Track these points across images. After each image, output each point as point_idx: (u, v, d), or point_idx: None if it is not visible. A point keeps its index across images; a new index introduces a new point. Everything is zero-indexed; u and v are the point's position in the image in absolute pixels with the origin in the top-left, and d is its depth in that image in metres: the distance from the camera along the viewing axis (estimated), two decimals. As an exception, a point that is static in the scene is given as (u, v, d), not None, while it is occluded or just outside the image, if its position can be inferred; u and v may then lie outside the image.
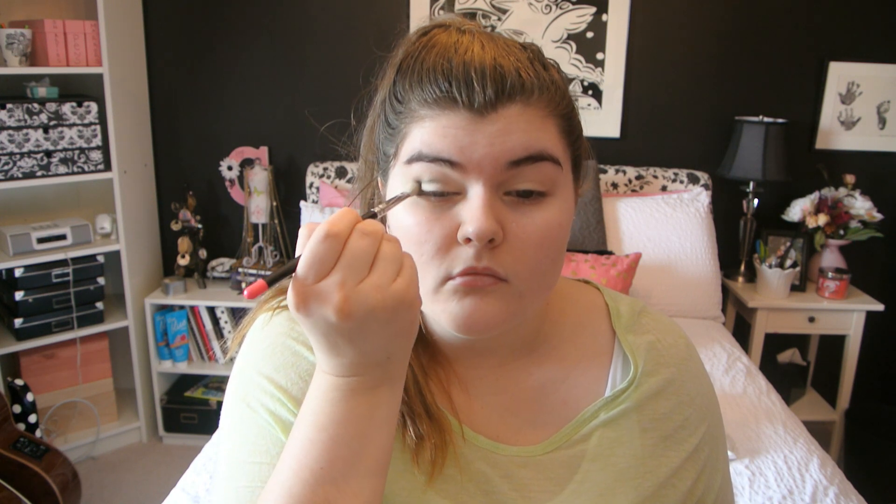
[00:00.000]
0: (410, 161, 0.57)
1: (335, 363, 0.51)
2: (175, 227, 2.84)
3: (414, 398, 0.62)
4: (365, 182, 0.69)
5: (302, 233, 0.49)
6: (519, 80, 0.56)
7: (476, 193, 0.56)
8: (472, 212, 0.55)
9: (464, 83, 0.55)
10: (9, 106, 2.36)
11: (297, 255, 0.49)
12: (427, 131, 0.56)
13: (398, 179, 0.60)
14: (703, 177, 2.82)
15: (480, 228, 0.54)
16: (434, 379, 0.66)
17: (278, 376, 0.63)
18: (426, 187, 0.57)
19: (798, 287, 2.74)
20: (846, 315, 2.68)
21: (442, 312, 0.59)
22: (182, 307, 2.80)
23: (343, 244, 0.48)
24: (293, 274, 0.48)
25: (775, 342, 2.89)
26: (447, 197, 0.57)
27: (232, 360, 0.70)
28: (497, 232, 0.55)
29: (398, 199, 0.57)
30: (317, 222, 0.49)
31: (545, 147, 0.57)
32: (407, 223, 0.58)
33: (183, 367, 2.83)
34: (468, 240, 0.56)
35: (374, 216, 0.53)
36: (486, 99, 0.55)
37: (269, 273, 2.85)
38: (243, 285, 2.79)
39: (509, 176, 0.56)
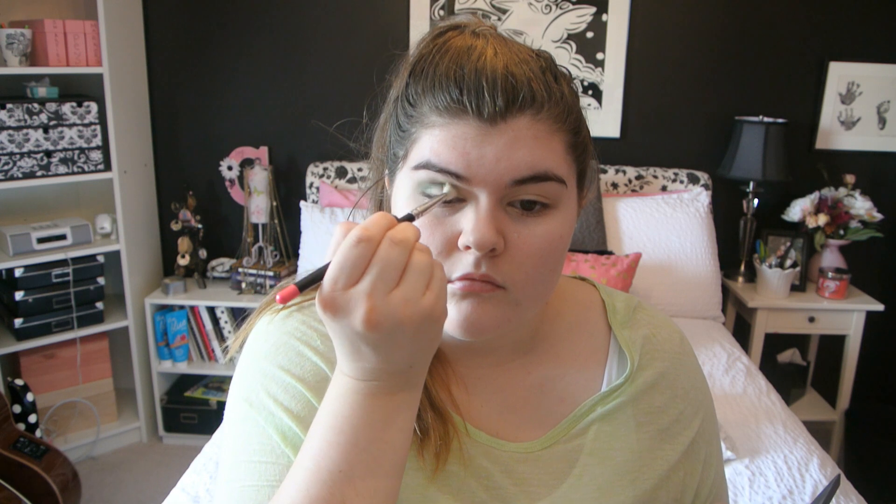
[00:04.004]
0: (418, 168, 0.58)
1: (357, 367, 0.51)
2: (175, 227, 2.84)
3: (425, 406, 0.63)
4: (373, 180, 0.70)
5: (337, 231, 0.49)
6: (530, 92, 0.56)
7: (479, 204, 0.56)
8: (474, 222, 0.56)
9: (474, 92, 0.55)
10: (9, 106, 2.36)
11: (330, 254, 0.49)
12: (436, 140, 0.57)
13: (404, 182, 0.60)
14: (703, 177, 2.82)
15: (481, 239, 0.55)
16: (435, 377, 0.66)
17: (282, 373, 0.63)
18: (431, 192, 0.58)
19: (798, 287, 2.74)
20: (846, 315, 2.68)
21: None
22: (182, 307, 2.80)
23: (374, 250, 0.47)
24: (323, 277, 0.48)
25: (775, 342, 2.89)
26: (451, 203, 0.58)
27: (233, 360, 0.70)
28: (497, 243, 0.56)
29: (438, 200, 0.57)
30: (353, 222, 0.49)
31: (550, 167, 0.57)
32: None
33: (183, 367, 2.83)
34: (468, 247, 0.56)
35: (411, 218, 0.53)
36: (496, 109, 0.55)
37: (271, 277, 2.79)
38: (243, 285, 2.79)
39: (513, 190, 0.57)
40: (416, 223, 0.58)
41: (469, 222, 0.56)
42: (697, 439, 0.71)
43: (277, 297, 0.46)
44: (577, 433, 0.67)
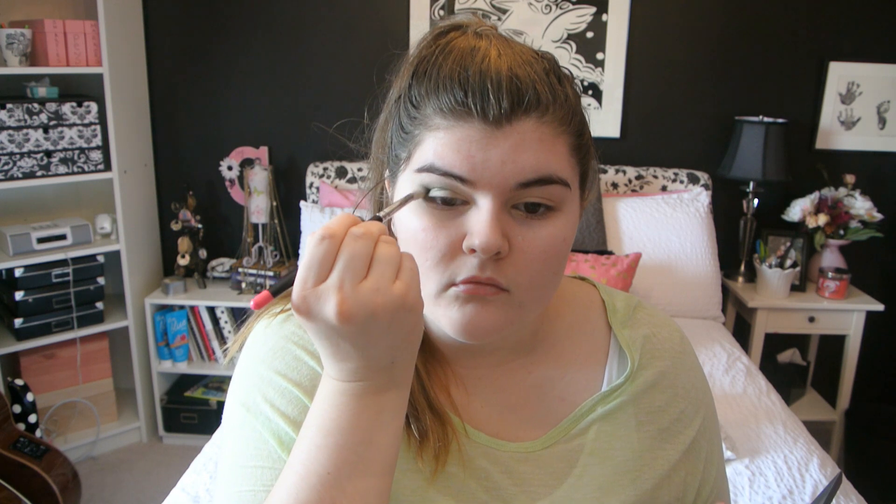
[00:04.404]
0: (421, 170, 0.57)
1: (340, 368, 0.52)
2: (175, 227, 2.84)
3: (418, 395, 0.63)
4: (374, 181, 0.69)
5: (308, 240, 0.49)
6: (535, 94, 0.55)
7: (484, 207, 0.56)
8: (480, 225, 0.55)
9: (479, 94, 0.55)
10: (9, 106, 2.36)
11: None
12: (441, 143, 0.56)
13: (407, 185, 0.60)
14: (703, 177, 2.82)
15: (487, 243, 0.55)
16: (434, 378, 0.66)
17: (278, 377, 0.63)
18: (436, 193, 0.57)
19: (798, 287, 2.74)
20: (846, 315, 2.68)
21: (443, 317, 0.60)
22: (182, 307, 2.80)
23: (339, 246, 0.48)
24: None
25: (775, 342, 2.89)
26: (455, 206, 0.57)
27: (233, 361, 0.70)
28: (503, 246, 0.56)
29: (404, 202, 0.57)
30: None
31: (554, 170, 0.57)
32: (414, 227, 0.59)
33: (183, 367, 2.83)
34: (473, 250, 0.56)
35: (379, 220, 0.53)
36: (502, 111, 0.55)
37: (273, 282, 2.86)
38: (243, 285, 2.79)
39: (517, 193, 0.56)
40: (419, 227, 0.58)
41: (474, 225, 0.56)
42: (699, 438, 0.71)
43: (251, 303, 0.46)
44: (578, 433, 0.67)
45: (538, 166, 0.56)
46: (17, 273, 2.44)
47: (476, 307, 0.58)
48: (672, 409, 0.70)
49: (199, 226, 2.85)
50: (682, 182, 2.82)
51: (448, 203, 0.57)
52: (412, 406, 0.62)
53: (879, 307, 2.66)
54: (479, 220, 0.56)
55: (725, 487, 0.76)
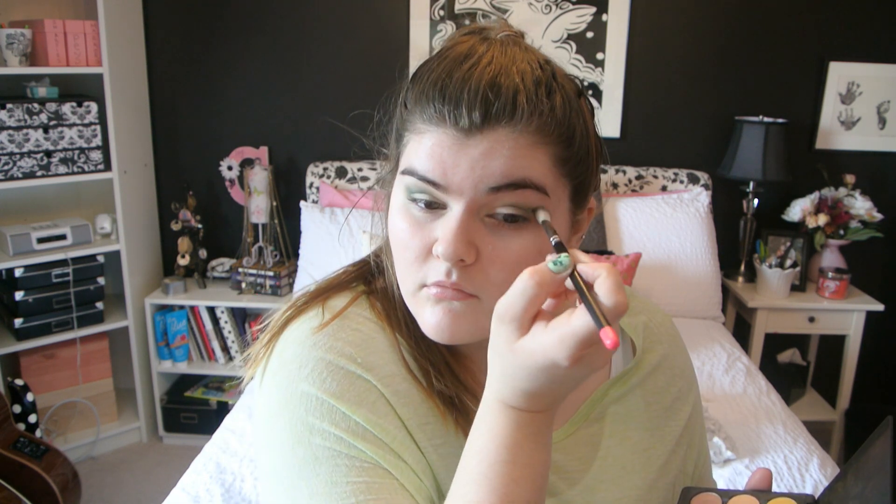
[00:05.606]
0: (404, 173, 0.59)
1: (546, 400, 0.52)
2: (175, 227, 2.84)
3: (462, 392, 0.63)
4: (387, 178, 0.69)
5: (615, 272, 0.48)
6: (511, 105, 0.55)
7: (453, 214, 0.57)
8: (445, 232, 0.57)
9: (454, 103, 0.55)
10: (9, 106, 2.36)
11: (613, 292, 0.46)
12: (420, 147, 0.58)
13: (398, 185, 0.61)
14: (703, 177, 2.82)
15: (448, 251, 0.56)
16: (468, 383, 0.66)
17: (349, 404, 0.60)
18: (416, 197, 0.58)
19: (798, 287, 2.74)
20: (846, 315, 2.68)
21: (417, 316, 0.62)
22: (182, 307, 2.80)
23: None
24: (603, 323, 0.45)
25: (775, 342, 2.89)
26: (434, 208, 0.58)
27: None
28: (467, 254, 0.57)
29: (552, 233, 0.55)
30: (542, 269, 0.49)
31: (528, 175, 0.56)
32: (397, 226, 0.61)
33: (183, 367, 2.83)
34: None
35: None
36: (472, 121, 0.55)
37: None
38: (243, 285, 2.79)
39: (490, 199, 0.57)
40: (402, 227, 0.60)
41: (441, 232, 0.57)
42: (693, 413, 0.77)
43: (608, 342, 0.44)
44: (596, 418, 0.70)
45: (509, 171, 0.56)
46: (17, 273, 2.44)
47: (444, 310, 0.59)
48: (672, 388, 0.75)
49: (199, 226, 2.85)
50: (682, 182, 2.82)
51: (430, 206, 0.58)
52: (459, 398, 0.63)
53: (879, 307, 2.66)
54: (446, 226, 0.57)
55: (709, 455, 0.83)
